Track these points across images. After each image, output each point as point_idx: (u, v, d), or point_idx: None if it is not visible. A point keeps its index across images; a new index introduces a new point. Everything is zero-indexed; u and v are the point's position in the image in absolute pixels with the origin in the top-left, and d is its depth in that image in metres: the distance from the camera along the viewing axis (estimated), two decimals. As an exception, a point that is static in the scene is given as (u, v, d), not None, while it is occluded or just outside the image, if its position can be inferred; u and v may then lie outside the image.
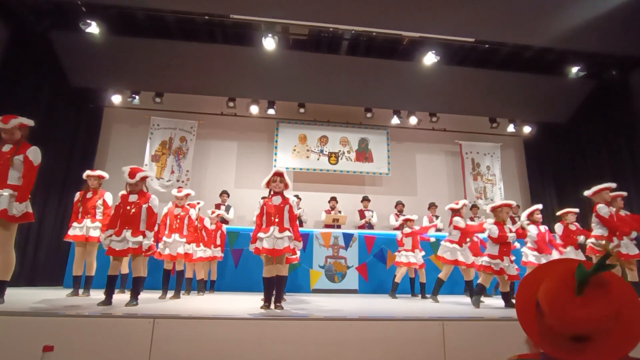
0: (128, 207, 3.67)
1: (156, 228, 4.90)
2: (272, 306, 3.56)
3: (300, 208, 7.40)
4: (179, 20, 6.78)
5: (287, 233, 3.63)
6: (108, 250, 3.61)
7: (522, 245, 5.48)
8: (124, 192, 3.86)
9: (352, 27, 6.73)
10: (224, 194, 7.98)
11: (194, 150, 8.76)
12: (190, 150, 8.73)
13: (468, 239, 5.20)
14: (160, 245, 4.64)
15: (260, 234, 3.65)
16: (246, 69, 7.69)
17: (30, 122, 3.48)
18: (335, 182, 9.12)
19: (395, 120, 9.07)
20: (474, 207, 8.39)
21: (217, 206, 7.61)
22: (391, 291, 5.69)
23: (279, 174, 3.79)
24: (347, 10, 6.13)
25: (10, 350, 2.33)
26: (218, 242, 5.65)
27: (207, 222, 5.53)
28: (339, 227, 7.46)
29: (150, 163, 8.45)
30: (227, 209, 7.82)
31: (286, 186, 3.81)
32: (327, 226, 7.58)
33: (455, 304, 4.56)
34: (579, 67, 7.35)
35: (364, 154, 9.27)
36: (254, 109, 8.65)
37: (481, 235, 5.70)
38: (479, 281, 4.42)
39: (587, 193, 4.73)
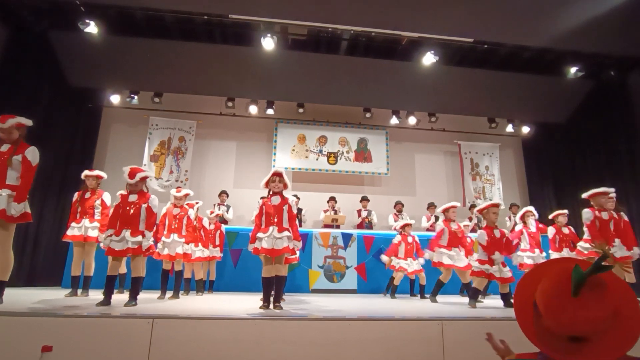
0: (127, 207, 3.67)
1: (155, 228, 4.92)
2: (271, 306, 3.55)
3: (302, 209, 7.41)
4: (177, 20, 6.77)
5: (286, 233, 3.63)
6: (107, 251, 3.60)
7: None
8: (123, 192, 3.86)
9: (351, 27, 6.73)
10: (223, 194, 7.98)
11: (192, 150, 8.75)
12: (189, 150, 8.72)
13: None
14: (159, 245, 4.63)
15: (260, 234, 3.65)
16: (245, 69, 7.68)
17: (28, 122, 3.48)
18: (334, 182, 9.12)
19: (394, 120, 9.07)
20: (473, 207, 8.40)
21: (217, 206, 7.60)
22: (391, 292, 5.65)
23: (278, 174, 3.79)
24: (346, 10, 6.13)
25: (9, 350, 2.33)
26: (217, 242, 5.65)
27: (205, 222, 5.52)
28: (338, 227, 7.46)
29: (149, 163, 8.44)
30: (227, 209, 7.82)
31: (285, 186, 3.81)
32: (326, 226, 7.58)
33: (454, 304, 4.56)
34: (577, 68, 7.36)
35: (363, 154, 9.28)
36: (253, 109, 8.64)
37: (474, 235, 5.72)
38: (474, 285, 4.35)
39: (584, 195, 4.74)
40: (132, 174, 3.71)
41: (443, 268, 4.97)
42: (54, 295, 4.53)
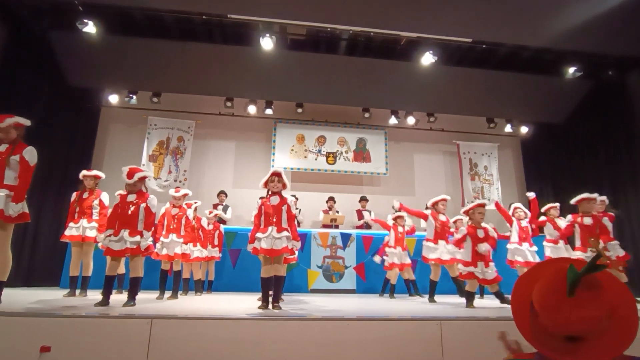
0: (126, 207, 3.66)
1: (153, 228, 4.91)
2: (270, 306, 3.55)
3: (297, 208, 7.40)
4: (176, 20, 6.76)
5: (285, 233, 3.63)
6: (106, 251, 3.60)
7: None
8: (122, 192, 3.85)
9: (350, 27, 6.73)
10: (222, 194, 7.97)
11: (191, 150, 8.74)
12: (188, 150, 8.72)
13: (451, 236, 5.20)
14: (158, 245, 4.62)
15: (259, 234, 3.65)
16: (244, 69, 7.68)
17: (26, 122, 3.47)
18: (333, 182, 9.12)
19: (393, 120, 9.08)
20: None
21: (215, 206, 7.60)
22: (390, 292, 5.66)
23: (277, 174, 3.78)
24: (345, 10, 6.13)
25: (7, 350, 2.33)
26: (216, 242, 5.64)
27: (204, 222, 5.52)
28: (336, 227, 7.46)
29: (147, 163, 8.44)
30: (225, 208, 7.81)
31: (284, 186, 3.81)
32: (325, 226, 7.58)
33: (453, 304, 4.57)
34: (576, 68, 7.37)
35: (361, 154, 9.28)
36: (252, 109, 8.64)
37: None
38: (467, 288, 4.31)
39: (572, 201, 4.78)
40: (130, 174, 3.70)
41: (431, 264, 4.99)
42: (52, 296, 4.52)
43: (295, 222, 3.87)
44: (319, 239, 6.68)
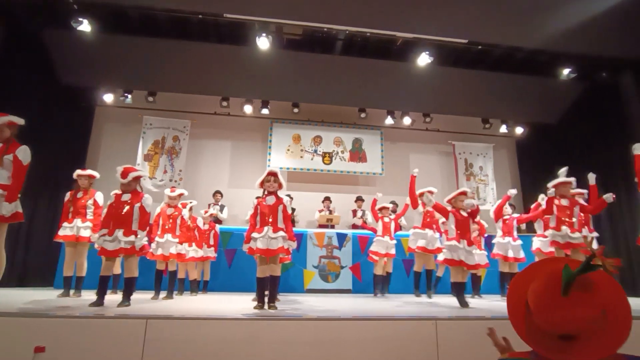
0: (120, 207, 3.65)
1: (148, 228, 4.89)
2: (266, 306, 3.55)
3: (294, 208, 7.40)
4: (172, 19, 6.73)
5: (281, 233, 3.62)
6: (100, 251, 3.58)
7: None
8: (118, 191, 3.83)
9: (346, 27, 6.73)
10: (218, 193, 7.95)
11: (187, 149, 8.71)
12: (184, 149, 8.68)
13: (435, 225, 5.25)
14: (153, 245, 4.60)
15: (254, 234, 3.64)
16: (240, 69, 7.66)
17: (20, 121, 3.45)
18: (329, 182, 9.13)
19: (389, 121, 9.10)
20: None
21: (211, 206, 7.57)
22: (374, 284, 5.68)
23: (273, 174, 3.78)
24: (341, 10, 6.13)
25: (1, 351, 2.31)
26: (211, 242, 5.63)
27: (200, 222, 5.50)
28: (332, 227, 7.46)
29: (142, 162, 8.39)
30: (221, 208, 7.79)
31: (280, 186, 3.80)
32: (321, 226, 7.58)
33: (449, 303, 4.58)
34: (570, 69, 7.42)
35: (357, 154, 9.29)
36: (248, 109, 8.62)
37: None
38: (452, 280, 4.27)
39: (549, 185, 4.85)
40: (124, 174, 3.69)
41: (416, 253, 5.04)
42: (46, 296, 4.49)
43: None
44: (314, 238, 6.68)
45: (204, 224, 5.57)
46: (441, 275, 5.86)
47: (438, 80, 7.84)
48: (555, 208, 4.63)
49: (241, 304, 4.01)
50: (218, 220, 7.27)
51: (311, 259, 6.57)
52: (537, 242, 5.61)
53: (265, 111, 8.68)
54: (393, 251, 5.66)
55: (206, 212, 5.72)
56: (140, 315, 2.56)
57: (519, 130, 9.39)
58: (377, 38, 7.06)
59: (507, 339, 1.15)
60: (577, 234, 4.48)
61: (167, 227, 4.68)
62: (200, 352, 2.43)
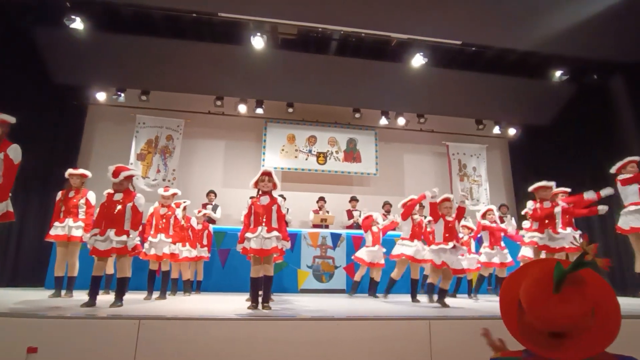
0: (112, 206, 3.62)
1: (140, 228, 4.85)
2: (260, 306, 3.54)
3: (288, 208, 7.38)
4: (166, 18, 6.69)
5: (274, 233, 3.62)
6: (92, 250, 3.55)
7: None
8: (111, 190, 3.80)
9: (341, 27, 6.75)
10: (211, 193, 7.92)
11: (180, 149, 8.66)
12: (177, 149, 8.64)
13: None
14: (146, 245, 4.57)
15: (248, 234, 3.63)
16: (234, 68, 7.63)
17: (11, 119, 3.41)
18: (323, 182, 9.13)
19: (383, 121, 9.13)
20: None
21: (204, 206, 7.54)
22: (351, 289, 5.68)
23: (267, 174, 3.77)
24: (336, 10, 6.14)
25: (-10, 352, 2.28)
26: (205, 242, 5.60)
27: (193, 222, 5.48)
28: (327, 227, 7.47)
29: (135, 162, 8.33)
30: (214, 208, 7.76)
31: (274, 186, 3.80)
32: (315, 226, 7.58)
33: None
34: (562, 71, 7.51)
35: (352, 154, 9.31)
36: (242, 108, 8.60)
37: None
38: (429, 280, 4.35)
39: (530, 189, 4.89)
40: (116, 173, 3.66)
41: (398, 261, 5.04)
42: (38, 296, 4.44)
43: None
44: (309, 238, 6.68)
45: (198, 223, 5.55)
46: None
47: (432, 81, 7.88)
48: (538, 211, 4.65)
49: (235, 304, 4.00)
50: (212, 220, 7.25)
51: (305, 259, 6.57)
52: (523, 250, 5.69)
53: (259, 111, 8.66)
54: (382, 261, 5.53)
55: (199, 211, 5.69)
56: (132, 316, 2.54)
57: (511, 131, 9.48)
58: (371, 39, 7.08)
59: (503, 339, 1.16)
60: (559, 237, 4.53)
61: (160, 226, 4.65)
62: (193, 352, 2.42)
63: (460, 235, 5.85)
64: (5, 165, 3.27)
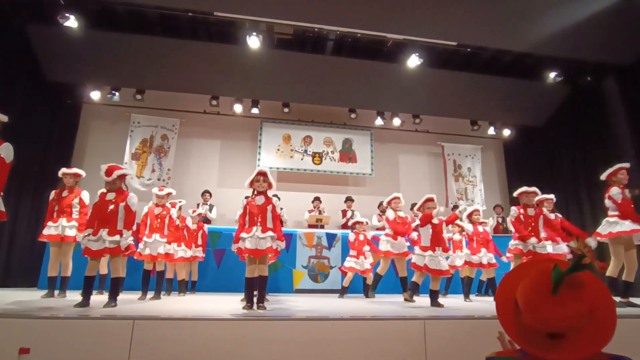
0: (105, 206, 3.59)
1: (135, 227, 4.82)
2: (255, 307, 3.53)
3: (282, 208, 7.37)
4: (161, 17, 6.66)
5: (269, 233, 3.61)
6: (85, 250, 3.52)
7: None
8: (104, 190, 3.78)
9: (337, 27, 6.75)
10: (206, 193, 7.89)
11: (175, 148, 8.62)
12: (172, 148, 8.59)
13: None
14: (141, 245, 4.54)
15: (243, 234, 3.62)
16: (230, 68, 7.61)
17: (3, 118, 3.37)
18: (319, 182, 9.13)
19: (379, 121, 9.14)
20: (455, 207, 8.54)
21: (199, 205, 7.51)
22: (340, 293, 5.66)
23: (262, 174, 3.77)
24: (332, 11, 6.14)
25: (-19, 354, 2.25)
26: (199, 241, 5.58)
27: (189, 222, 5.45)
28: (322, 227, 7.46)
29: (130, 161, 8.28)
30: (210, 208, 7.73)
31: (270, 186, 3.79)
32: (310, 226, 7.58)
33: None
34: (556, 73, 7.56)
35: (347, 154, 9.32)
36: (238, 108, 8.58)
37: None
38: (413, 279, 4.39)
39: (515, 194, 4.87)
40: (109, 172, 3.64)
41: (382, 257, 5.02)
42: (30, 297, 4.40)
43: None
44: (304, 239, 6.67)
45: (193, 223, 5.53)
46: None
47: (427, 81, 7.91)
48: (522, 217, 4.59)
49: (230, 304, 3.99)
50: (207, 220, 7.22)
51: (300, 259, 6.56)
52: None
53: (255, 110, 8.64)
54: (369, 266, 5.55)
55: (194, 211, 5.67)
56: (127, 316, 2.53)
57: (506, 132, 9.53)
58: (367, 39, 7.09)
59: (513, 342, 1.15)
60: (542, 243, 4.51)
61: (155, 226, 4.63)
62: (188, 353, 2.41)
63: (450, 234, 5.89)
64: (-3, 164, 3.23)
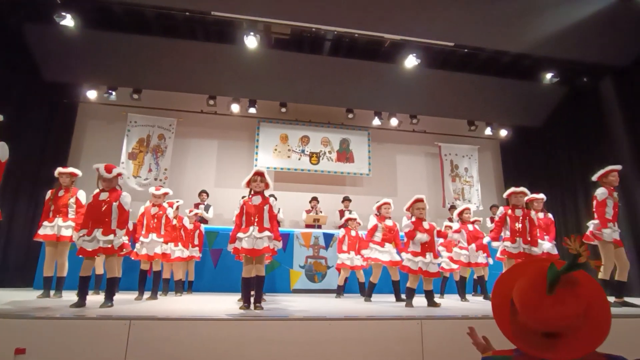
0: (99, 206, 3.58)
1: (131, 227, 4.80)
2: (252, 307, 3.53)
3: (279, 208, 7.36)
4: (158, 16, 6.64)
5: (266, 233, 3.61)
6: (79, 251, 3.50)
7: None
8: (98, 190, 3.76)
9: (335, 28, 6.75)
10: (203, 193, 7.88)
11: (172, 148, 8.60)
12: (169, 148, 8.57)
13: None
14: (137, 245, 4.53)
15: (240, 234, 3.62)
16: (227, 67, 7.60)
17: (-1, 117, 3.35)
18: (316, 182, 9.13)
19: (376, 122, 9.15)
20: (452, 208, 8.56)
21: (196, 205, 7.49)
22: (337, 293, 5.63)
23: (259, 174, 3.76)
24: (329, 11, 6.14)
25: (-24, 354, 2.24)
26: (196, 241, 5.57)
27: (186, 222, 5.44)
28: (319, 227, 7.47)
29: (127, 161, 8.26)
30: (207, 208, 7.72)
31: (267, 186, 3.79)
32: (307, 226, 7.58)
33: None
34: (553, 74, 7.60)
35: (345, 154, 9.32)
36: (235, 108, 8.56)
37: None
38: (408, 284, 4.30)
39: (504, 195, 4.86)
40: (108, 169, 3.63)
41: (373, 264, 4.94)
42: (26, 297, 4.38)
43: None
44: (301, 239, 6.67)
45: (189, 223, 5.51)
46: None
47: (425, 82, 7.93)
48: (508, 219, 4.56)
49: (227, 304, 3.98)
50: (204, 220, 7.21)
51: (298, 259, 6.56)
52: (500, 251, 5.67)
53: (252, 110, 8.63)
54: (361, 262, 5.43)
55: (191, 211, 5.66)
56: (123, 316, 2.52)
57: (503, 132, 9.57)
58: (365, 39, 7.10)
59: (487, 337, 1.17)
60: (529, 245, 4.43)
61: (151, 226, 4.61)
62: (185, 353, 2.40)
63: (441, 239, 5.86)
64: (-8, 163, 3.21)
